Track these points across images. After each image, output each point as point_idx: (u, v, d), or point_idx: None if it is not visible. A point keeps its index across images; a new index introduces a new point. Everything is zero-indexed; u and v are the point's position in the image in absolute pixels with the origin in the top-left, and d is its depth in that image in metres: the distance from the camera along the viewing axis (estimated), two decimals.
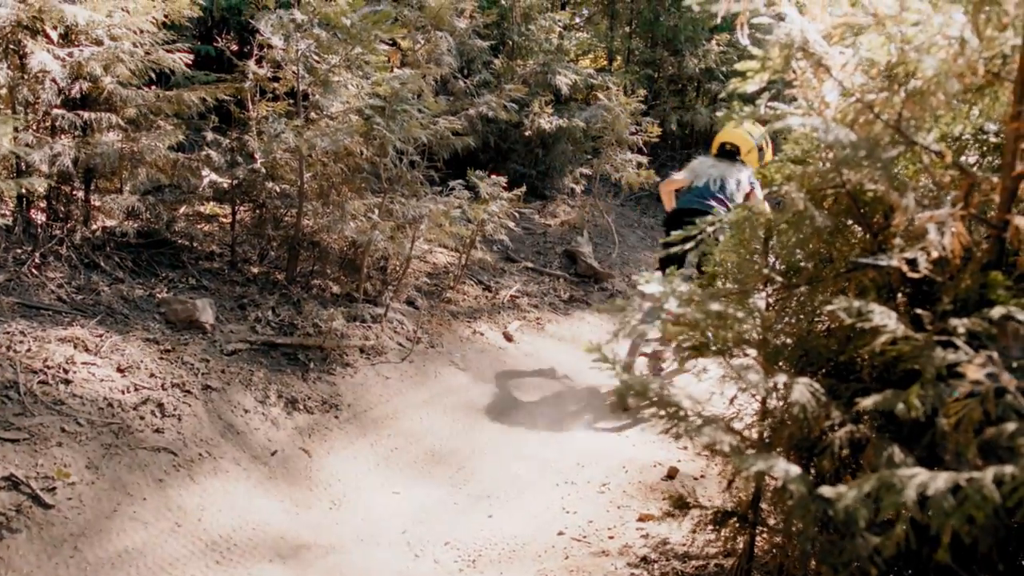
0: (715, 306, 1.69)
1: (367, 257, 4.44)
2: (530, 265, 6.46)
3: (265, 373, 3.70)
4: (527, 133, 7.08)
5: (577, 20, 9.36)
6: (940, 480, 1.15)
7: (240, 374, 3.61)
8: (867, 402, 1.37)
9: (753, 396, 2.08)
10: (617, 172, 6.85)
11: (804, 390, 1.48)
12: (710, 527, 2.20)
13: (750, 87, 1.81)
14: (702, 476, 3.86)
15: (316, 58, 4.17)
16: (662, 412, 1.74)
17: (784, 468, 1.39)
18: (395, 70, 4.89)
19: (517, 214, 5.66)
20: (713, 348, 1.85)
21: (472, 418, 4.17)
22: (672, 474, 3.83)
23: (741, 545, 2.44)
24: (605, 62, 9.35)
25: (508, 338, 5.26)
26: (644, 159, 7.04)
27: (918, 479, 1.17)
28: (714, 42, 8.84)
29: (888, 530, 1.26)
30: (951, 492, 1.15)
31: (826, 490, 1.25)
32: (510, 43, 6.92)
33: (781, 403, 1.59)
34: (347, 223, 4.31)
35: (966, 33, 1.41)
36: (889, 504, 1.18)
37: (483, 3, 6.59)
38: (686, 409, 1.75)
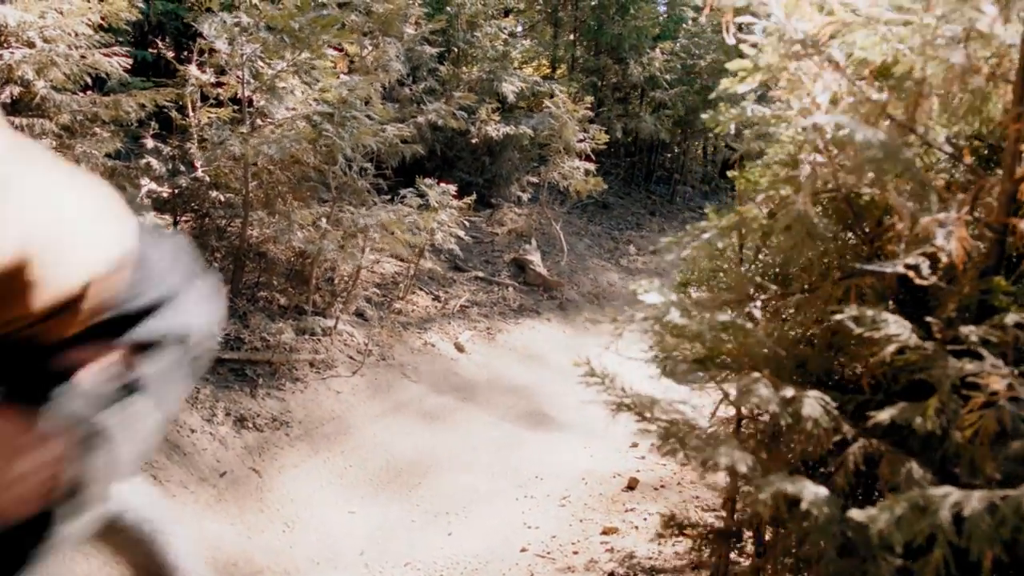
0: (723, 316, 1.63)
1: (316, 268, 4.31)
2: (479, 274, 6.39)
3: (212, 390, 3.55)
4: (474, 141, 7.01)
5: (519, 28, 9.34)
6: (975, 499, 1.11)
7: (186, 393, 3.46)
8: (883, 415, 1.33)
9: (757, 412, 2.04)
10: (565, 180, 6.82)
11: (815, 404, 1.43)
12: (703, 546, 2.15)
13: (741, 88, 1.76)
14: (662, 486, 3.83)
15: (262, 63, 4.04)
16: (663, 429, 1.68)
17: (813, 490, 1.34)
18: (342, 76, 4.77)
19: (467, 223, 5.58)
20: (717, 361, 1.80)
21: (427, 431, 4.07)
22: (632, 485, 3.79)
23: (715, 558, 2.40)
24: (549, 70, 9.35)
25: (460, 349, 5.18)
26: (592, 166, 7.04)
27: (951, 499, 1.14)
28: (658, 50, 8.92)
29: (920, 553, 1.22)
30: (987, 512, 1.11)
31: (856, 514, 1.20)
32: (456, 50, 6.85)
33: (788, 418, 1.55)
34: (294, 233, 4.18)
35: (995, 26, 1.38)
36: (923, 526, 1.14)
37: (430, 10, 6.51)
38: (691, 427, 1.69)
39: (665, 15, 9.75)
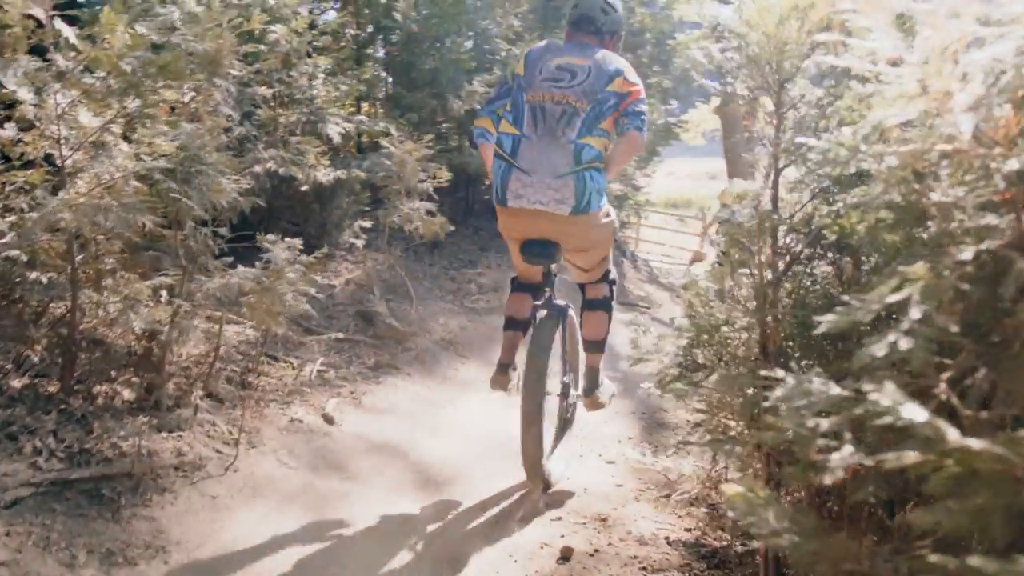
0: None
1: (168, 352, 3.65)
2: (326, 333, 5.83)
3: (65, 523, 2.84)
4: (303, 188, 6.44)
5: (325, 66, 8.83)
6: None
7: (32, 532, 2.73)
8: None
9: None
10: (411, 223, 6.42)
11: None
12: None
13: (895, 117, 1.48)
14: (596, 552, 3.53)
15: (86, 113, 3.36)
16: None
17: None
18: (164, 124, 4.13)
19: (325, 281, 5.05)
20: None
21: (319, 529, 3.52)
22: (567, 555, 3.46)
23: None
24: (370, 108, 8.90)
25: (329, 420, 4.63)
26: (433, 206, 6.68)
27: None
28: (476, 83, 8.73)
29: None
30: None
31: None
32: (274, 91, 6.26)
33: None
34: (138, 313, 3.51)
35: None
36: None
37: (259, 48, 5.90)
38: None
39: (471, 48, 9.58)
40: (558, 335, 4.04)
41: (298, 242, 4.74)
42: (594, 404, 4.38)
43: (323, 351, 5.55)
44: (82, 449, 3.24)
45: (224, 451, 3.75)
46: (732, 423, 2.45)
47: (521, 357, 4.05)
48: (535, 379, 3.74)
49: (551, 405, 4.30)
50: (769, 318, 2.23)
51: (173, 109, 4.58)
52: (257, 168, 4.86)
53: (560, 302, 4.11)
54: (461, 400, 5.62)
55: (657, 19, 13.65)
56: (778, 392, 1.33)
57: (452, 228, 6.73)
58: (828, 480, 1.18)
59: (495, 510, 3.94)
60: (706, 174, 30.96)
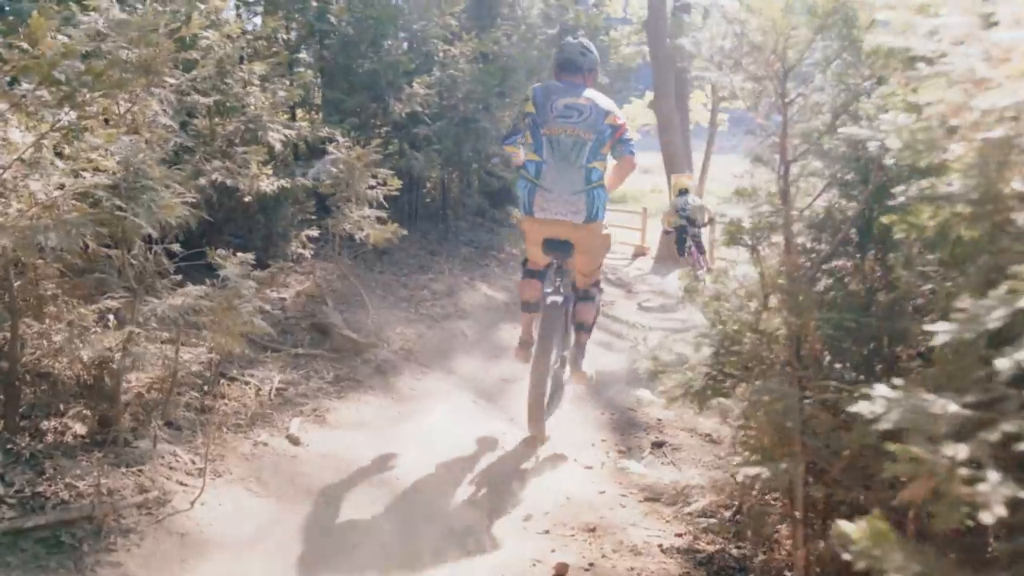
0: None
1: (121, 381, 3.38)
2: (283, 349, 5.58)
3: None
4: (247, 198, 6.16)
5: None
6: None
7: None
8: None
9: None
10: (362, 230, 6.19)
11: None
12: None
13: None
14: (591, 565, 3.39)
15: (17, 125, 3.09)
16: None
17: None
18: (103, 138, 3.86)
19: (275, 294, 4.81)
20: None
21: (297, 565, 3.30)
22: (562, 571, 3.30)
23: None
24: (306, 114, 8.61)
25: (295, 441, 4.40)
26: (383, 213, 6.47)
27: None
28: (416, 86, 8.52)
29: None
30: None
31: None
32: (210, 99, 5.96)
33: None
34: (85, 340, 3.25)
35: None
36: None
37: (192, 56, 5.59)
38: None
39: (408, 49, 9.37)
40: (561, 317, 4.92)
41: (250, 256, 4.52)
42: (580, 377, 5.19)
43: (280, 368, 5.30)
44: (35, 493, 2.97)
45: (189, 483, 3.50)
46: (769, 438, 2.29)
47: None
48: (545, 353, 4.64)
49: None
50: (803, 322, 2.09)
51: (107, 121, 4.31)
52: (202, 180, 4.60)
53: (566, 294, 4.96)
54: (427, 412, 5.43)
55: (590, 16, 13.62)
56: (892, 413, 1.19)
57: (404, 233, 6.52)
58: (988, 518, 1.04)
59: (479, 529, 3.78)
60: (640, 168, 31.28)
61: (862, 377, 1.88)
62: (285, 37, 8.45)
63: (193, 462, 3.66)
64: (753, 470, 1.94)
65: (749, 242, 2.28)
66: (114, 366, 3.41)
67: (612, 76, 14.55)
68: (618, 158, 4.58)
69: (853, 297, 2.13)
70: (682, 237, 11.34)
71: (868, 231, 2.10)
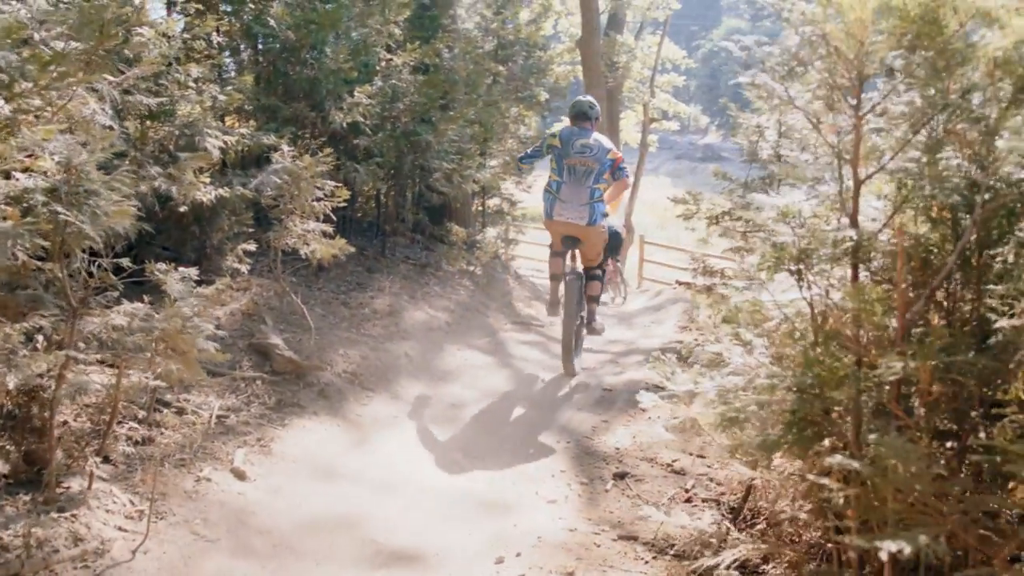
0: None
1: (54, 412, 2.96)
2: (221, 372, 5.16)
3: None
4: (182, 208, 5.72)
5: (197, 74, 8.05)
6: None
7: None
8: None
9: None
10: (307, 245, 5.82)
11: None
12: None
13: None
14: None
15: None
16: None
17: None
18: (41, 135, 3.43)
19: (220, 314, 4.41)
20: None
21: None
22: None
23: None
24: (239, 120, 8.14)
25: (241, 476, 4.02)
26: (329, 227, 6.10)
27: None
28: (359, 95, 8.17)
29: None
30: None
31: None
32: (155, 99, 5.51)
33: None
34: (13, 365, 2.83)
35: None
36: None
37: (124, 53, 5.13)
38: None
39: (349, 56, 9.00)
40: (579, 288, 6.83)
41: (193, 272, 4.14)
42: (593, 330, 7.32)
43: (218, 393, 4.89)
44: None
45: (129, 528, 3.10)
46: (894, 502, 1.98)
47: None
48: (571, 311, 6.65)
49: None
50: (921, 364, 1.87)
51: (37, 117, 3.87)
52: (143, 187, 4.19)
53: (580, 270, 7.01)
54: (376, 441, 5.10)
55: (529, 32, 13.50)
56: None
57: (352, 250, 6.17)
58: None
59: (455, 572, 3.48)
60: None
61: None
62: (219, 40, 8.00)
63: (132, 502, 3.25)
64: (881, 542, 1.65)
65: (796, 269, 2.07)
66: (46, 395, 3.00)
67: (550, 93, 14.44)
68: (617, 179, 6.61)
69: (960, 336, 1.94)
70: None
71: (967, 263, 1.91)
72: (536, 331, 9.48)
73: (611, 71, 18.27)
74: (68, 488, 3.06)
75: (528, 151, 7.24)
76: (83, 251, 3.11)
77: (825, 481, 1.77)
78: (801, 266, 2.06)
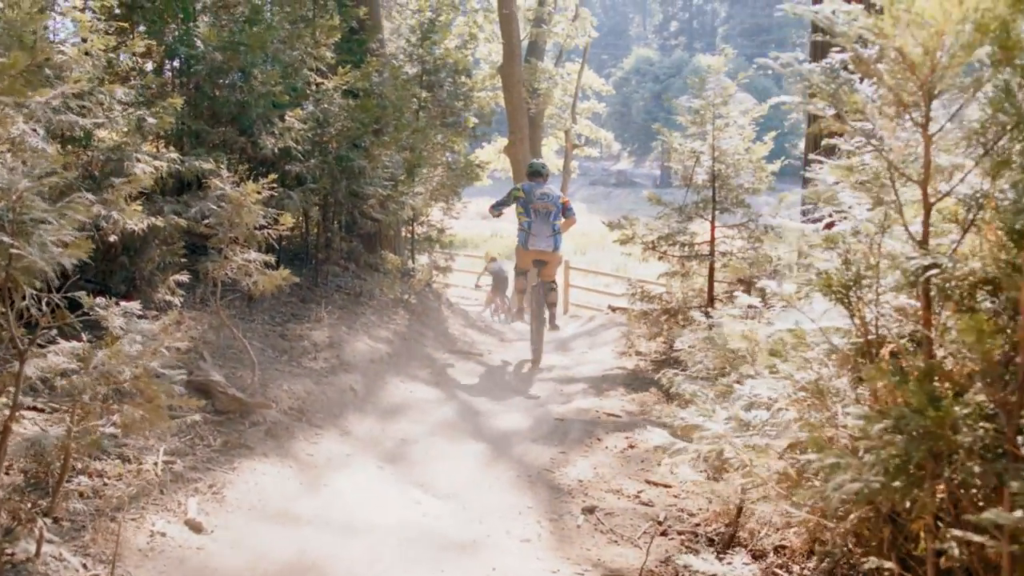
0: None
1: (0, 470, 2.61)
2: (175, 415, 4.77)
3: None
4: (112, 238, 5.32)
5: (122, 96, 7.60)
6: None
7: None
8: None
9: None
10: (249, 276, 5.49)
11: None
12: None
13: None
14: None
15: None
16: None
17: None
18: None
19: (167, 350, 4.06)
20: None
21: None
22: None
23: None
24: (160, 146, 7.70)
25: (197, 528, 3.69)
26: (271, 257, 5.78)
27: None
28: (292, 119, 7.87)
29: None
30: None
31: None
32: (88, 119, 5.12)
33: None
34: None
35: None
36: None
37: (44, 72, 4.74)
38: None
39: (280, 80, 8.69)
40: (540, 297, 8.88)
41: (136, 306, 3.82)
42: (554, 327, 9.41)
43: (159, 435, 4.52)
44: None
45: None
46: None
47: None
48: (537, 314, 8.90)
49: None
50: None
51: None
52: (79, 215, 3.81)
53: (540, 283, 8.93)
54: (332, 482, 4.81)
55: (457, 58, 13.40)
56: None
57: (296, 280, 5.87)
58: None
59: None
60: (478, 214, 31.24)
61: None
62: (138, 60, 7.60)
63: (85, 566, 2.91)
64: None
65: (848, 296, 1.95)
66: None
67: (477, 117, 14.34)
68: (567, 218, 8.98)
69: None
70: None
71: None
72: (476, 360, 9.27)
73: (532, 97, 18.33)
74: (12, 556, 2.71)
75: (497, 201, 9.22)
76: (32, 288, 2.78)
77: (979, 538, 1.61)
78: (851, 293, 1.94)
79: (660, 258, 8.72)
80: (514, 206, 8.92)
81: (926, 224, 1.93)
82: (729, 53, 10.29)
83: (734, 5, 69.52)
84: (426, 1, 13.58)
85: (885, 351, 2.00)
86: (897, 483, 1.77)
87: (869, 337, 1.97)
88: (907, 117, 1.95)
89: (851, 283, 1.92)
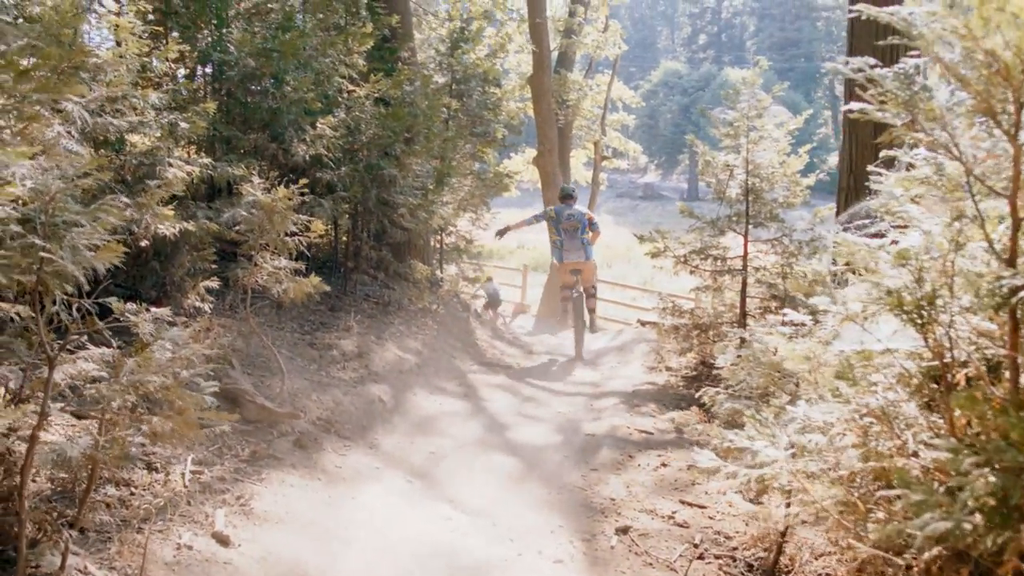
0: None
1: (27, 479, 2.52)
2: (204, 424, 4.69)
3: None
4: (143, 243, 5.28)
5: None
6: None
7: None
8: None
9: None
10: (279, 284, 5.41)
11: None
12: None
13: None
14: None
15: None
16: None
17: None
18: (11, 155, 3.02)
19: (196, 358, 3.97)
20: None
21: None
22: None
23: None
24: (193, 151, 7.68)
25: (224, 542, 3.59)
26: (301, 265, 5.71)
27: None
28: (323, 127, 7.82)
29: None
30: None
31: None
32: (124, 120, 5.08)
33: None
34: None
35: None
36: None
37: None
38: None
39: (312, 87, 8.66)
40: (581, 303, 10.21)
41: (166, 312, 3.74)
42: (595, 329, 10.74)
43: (187, 445, 4.44)
44: None
45: None
46: None
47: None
48: (579, 318, 10.18)
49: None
50: None
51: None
52: (111, 218, 3.75)
53: (581, 290, 10.26)
54: (359, 497, 4.70)
55: (487, 68, 13.34)
56: None
57: (327, 288, 5.78)
58: None
59: None
60: (506, 225, 31.09)
61: None
62: (171, 66, 7.59)
63: None
64: None
65: (921, 317, 1.81)
66: (12, 458, 2.56)
67: (507, 128, 14.27)
68: (593, 231, 10.15)
69: None
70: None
71: None
72: (504, 373, 9.15)
73: (561, 108, 18.23)
74: (37, 568, 2.62)
75: (536, 214, 10.80)
76: (63, 292, 2.70)
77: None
78: (925, 313, 1.80)
79: (692, 272, 8.58)
80: (547, 224, 10.79)
81: (1014, 241, 1.79)
82: (764, 64, 10.16)
83: (763, 19, 69.17)
84: (457, 10, 13.55)
85: (961, 376, 1.87)
86: (996, 523, 1.62)
87: (944, 360, 1.83)
88: (993, 125, 1.81)
89: (925, 302, 1.79)
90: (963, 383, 1.88)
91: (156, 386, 2.54)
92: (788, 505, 2.79)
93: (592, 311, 10.44)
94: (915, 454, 1.92)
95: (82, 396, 3.14)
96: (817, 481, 2.10)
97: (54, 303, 2.93)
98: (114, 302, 3.50)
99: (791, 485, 2.29)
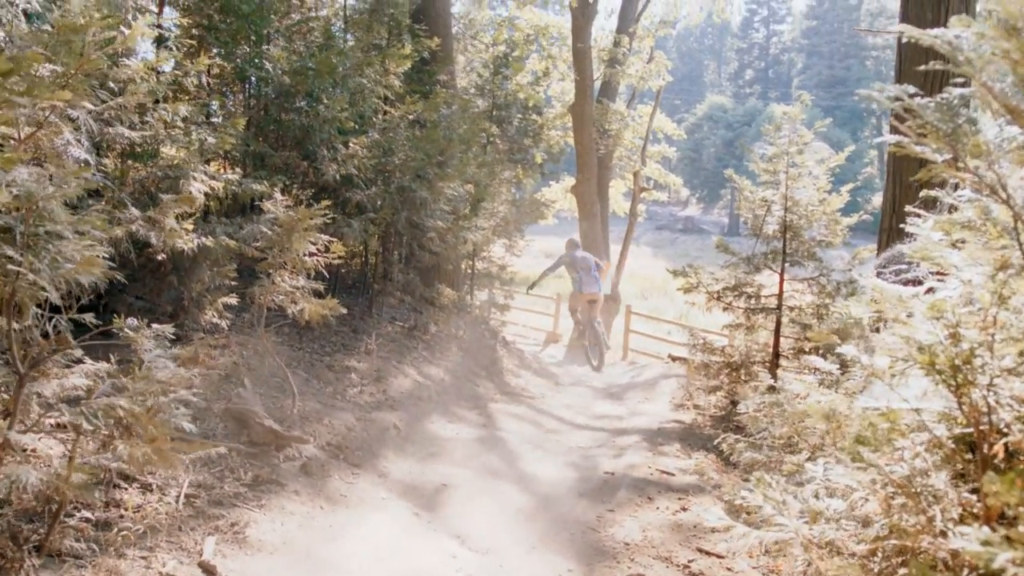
0: None
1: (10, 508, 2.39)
2: (200, 443, 4.57)
3: None
4: (160, 257, 5.21)
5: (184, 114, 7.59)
6: None
7: None
8: None
9: None
10: (295, 304, 5.30)
11: None
12: None
13: None
14: None
15: None
16: None
17: None
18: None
19: (195, 372, 3.88)
20: None
21: None
22: None
23: None
24: (223, 166, 7.66)
25: (209, 571, 3.43)
26: (320, 285, 5.60)
27: None
28: (355, 146, 7.75)
29: None
30: None
31: None
32: (137, 132, 5.04)
33: None
34: None
35: None
36: None
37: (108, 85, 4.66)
38: None
39: (347, 106, 8.62)
40: (598, 329, 12.83)
41: (169, 329, 3.62)
42: (605, 347, 13.23)
43: (186, 466, 4.31)
44: None
45: None
46: None
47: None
48: (595, 338, 12.92)
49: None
50: None
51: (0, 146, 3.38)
52: (118, 230, 3.68)
53: (598, 320, 12.97)
54: (363, 528, 4.52)
55: (529, 94, 13.26)
56: None
57: (344, 311, 5.66)
58: None
59: None
60: (541, 252, 31.00)
61: None
62: (207, 80, 7.59)
63: None
64: None
65: (956, 378, 1.60)
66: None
67: (547, 155, 14.17)
68: (600, 269, 13.03)
69: None
70: None
71: None
72: (527, 404, 8.95)
73: (602, 137, 18.08)
74: None
75: (555, 263, 13.14)
76: (38, 305, 2.59)
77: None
78: (960, 375, 1.59)
79: (725, 309, 8.34)
80: (564, 267, 13.11)
81: None
82: (806, 99, 9.93)
83: (811, 56, 68.67)
84: (501, 35, 13.52)
85: (999, 446, 1.66)
86: None
87: (981, 427, 1.62)
88: None
89: (961, 362, 1.59)
90: (1002, 454, 1.67)
91: (124, 412, 2.40)
92: (805, 574, 2.57)
93: (604, 335, 13.23)
94: (943, 533, 1.70)
95: (79, 419, 3.02)
96: (838, 555, 1.88)
97: (41, 316, 2.83)
98: (117, 314, 3.40)
99: (805, 555, 2.07)
